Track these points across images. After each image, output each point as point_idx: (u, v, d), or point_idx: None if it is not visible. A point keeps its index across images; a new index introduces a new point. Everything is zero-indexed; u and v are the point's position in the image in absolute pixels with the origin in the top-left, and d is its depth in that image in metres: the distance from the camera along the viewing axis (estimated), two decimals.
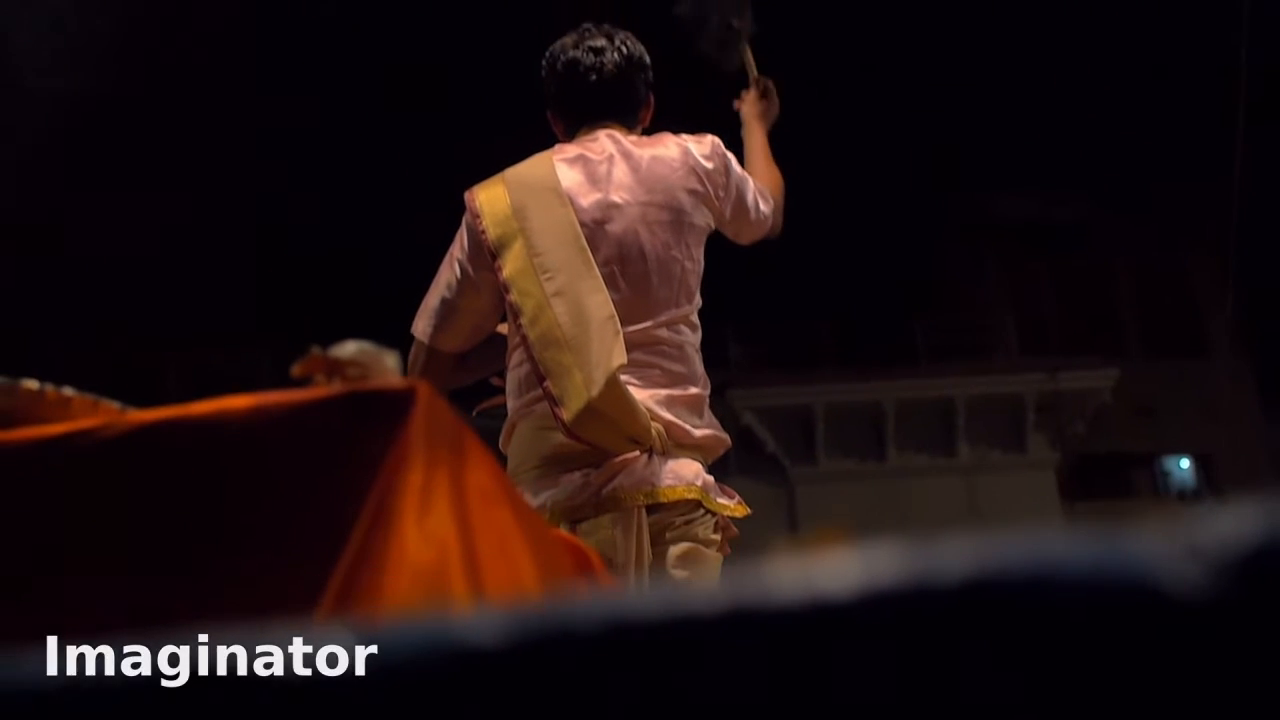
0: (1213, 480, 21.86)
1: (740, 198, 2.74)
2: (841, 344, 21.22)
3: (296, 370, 1.31)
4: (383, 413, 1.21)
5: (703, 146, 2.69)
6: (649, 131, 2.85)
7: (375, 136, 20.87)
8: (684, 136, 2.72)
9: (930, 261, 23.31)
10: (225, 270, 20.87)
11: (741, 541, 2.63)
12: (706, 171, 2.63)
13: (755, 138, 3.27)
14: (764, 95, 3.44)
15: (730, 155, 2.74)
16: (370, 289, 16.08)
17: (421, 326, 2.68)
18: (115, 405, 1.39)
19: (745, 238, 2.87)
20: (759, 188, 2.85)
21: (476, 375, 2.84)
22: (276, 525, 1.21)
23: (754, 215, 2.83)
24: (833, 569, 0.55)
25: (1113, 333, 22.35)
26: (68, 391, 1.40)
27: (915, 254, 22.96)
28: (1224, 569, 0.49)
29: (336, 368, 1.34)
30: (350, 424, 1.21)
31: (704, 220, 2.63)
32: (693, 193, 2.59)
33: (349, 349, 1.38)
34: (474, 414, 2.85)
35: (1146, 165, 21.66)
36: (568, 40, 2.80)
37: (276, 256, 21.02)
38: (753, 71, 3.44)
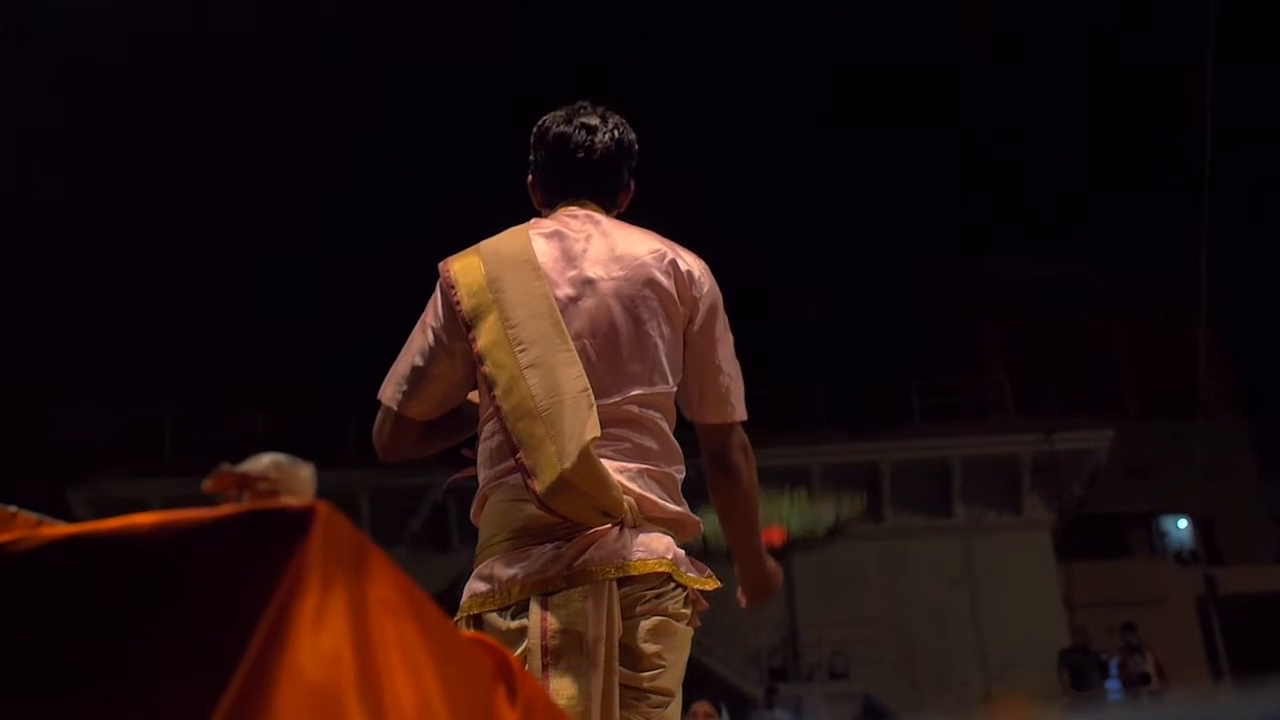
0: (1210, 541, 21.79)
1: (710, 340, 2.62)
2: (837, 405, 21.22)
3: (206, 486, 1.35)
4: (281, 532, 1.24)
5: (692, 256, 2.68)
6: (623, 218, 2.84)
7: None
8: (674, 244, 2.71)
9: (925, 322, 23.34)
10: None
11: (727, 627, 2.64)
12: (687, 273, 2.61)
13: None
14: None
15: (719, 295, 2.68)
16: None
17: (389, 393, 2.67)
18: (33, 517, 1.42)
19: (705, 408, 2.63)
20: (740, 386, 2.66)
21: (442, 445, 2.80)
22: (175, 643, 1.24)
23: (721, 385, 2.63)
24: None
25: (1109, 393, 22.36)
26: None
27: (910, 315, 23.00)
28: None
29: (246, 483, 1.38)
30: (249, 543, 1.25)
31: (674, 316, 2.58)
32: (666, 284, 2.57)
33: (262, 463, 1.41)
34: (446, 486, 2.87)
35: (1141, 226, 21.76)
36: (560, 114, 2.78)
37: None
38: None
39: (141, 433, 20.94)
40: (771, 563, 2.81)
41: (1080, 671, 14.65)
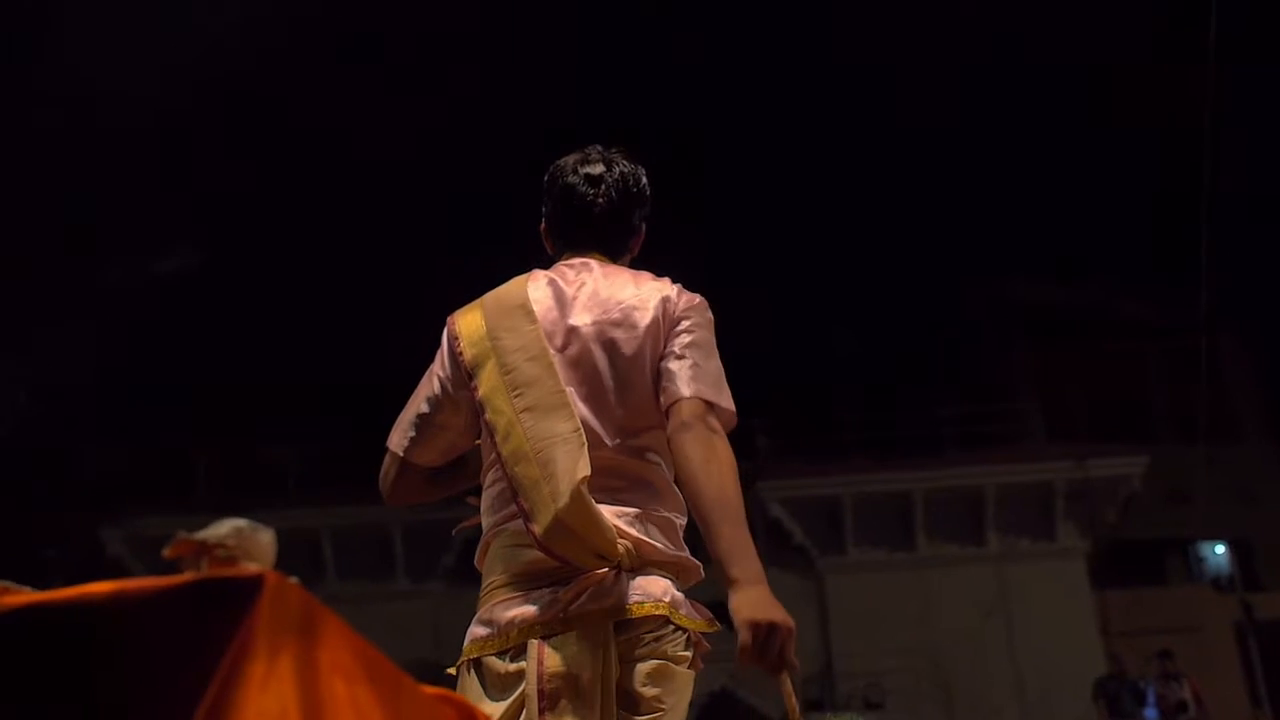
0: (1248, 566, 21.60)
1: (675, 347, 2.57)
2: (869, 434, 21.18)
3: (167, 553, 1.40)
4: (229, 600, 1.28)
5: (683, 293, 2.68)
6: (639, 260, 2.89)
7: None
8: (667, 283, 2.70)
9: (957, 350, 23.28)
10: None
11: None
12: (672, 307, 2.62)
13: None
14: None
15: (705, 319, 2.65)
16: None
17: (396, 440, 2.74)
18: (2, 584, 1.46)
19: (665, 395, 2.53)
20: (715, 376, 2.56)
21: (447, 492, 2.87)
22: (130, 707, 1.27)
23: (673, 371, 2.54)
24: None
25: (1143, 419, 22.23)
26: None
27: (941, 343, 22.94)
28: None
29: (204, 550, 1.42)
30: (198, 612, 1.28)
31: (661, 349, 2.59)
32: (651, 324, 2.58)
33: (221, 530, 1.46)
34: (453, 533, 2.91)
35: (1174, 248, 21.66)
36: (570, 161, 2.82)
37: None
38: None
39: (174, 469, 21.03)
40: (775, 608, 2.32)
41: (1116, 700, 14.54)
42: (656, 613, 2.41)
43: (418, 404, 2.73)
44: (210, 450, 21.11)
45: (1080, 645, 18.70)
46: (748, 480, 20.83)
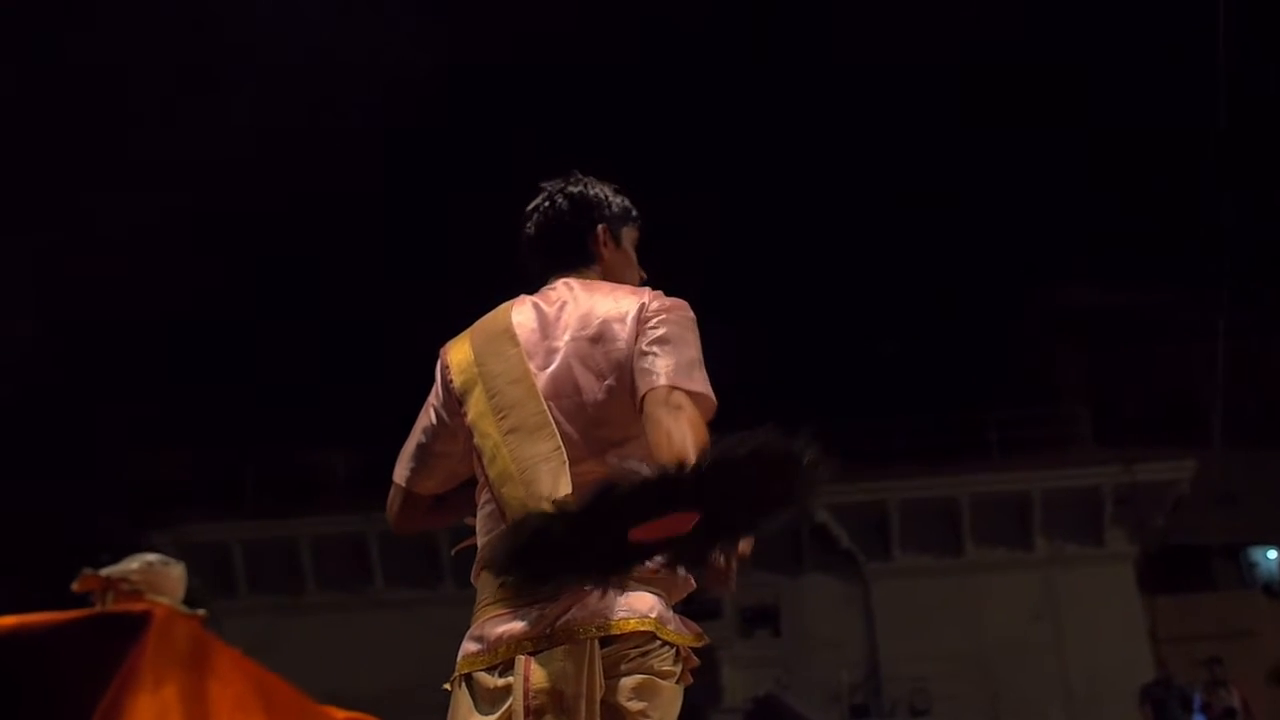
0: None
1: (646, 345, 2.56)
2: (915, 439, 21.09)
3: (75, 587, 1.48)
4: (118, 633, 1.36)
5: (661, 298, 2.68)
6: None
7: None
8: (646, 290, 2.73)
9: (1002, 354, 23.17)
10: None
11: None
12: (645, 313, 2.63)
13: None
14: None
15: (680, 317, 2.63)
16: None
17: (399, 471, 2.86)
18: None
19: (639, 386, 2.52)
20: (688, 363, 2.53)
21: (453, 517, 2.94)
22: None
23: (645, 364, 2.53)
24: None
25: (1191, 422, 22.03)
26: None
27: (987, 347, 22.84)
28: None
29: (109, 585, 1.51)
30: (91, 644, 1.36)
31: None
32: (627, 335, 2.60)
33: (132, 565, 1.54)
34: (452, 553, 2.99)
35: (1223, 250, 21.49)
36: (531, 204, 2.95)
37: None
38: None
39: (222, 475, 21.20)
40: None
41: (1163, 707, 14.42)
42: (642, 628, 2.43)
43: (417, 435, 2.83)
44: (258, 456, 21.26)
45: (1128, 651, 18.58)
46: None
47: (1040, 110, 22.32)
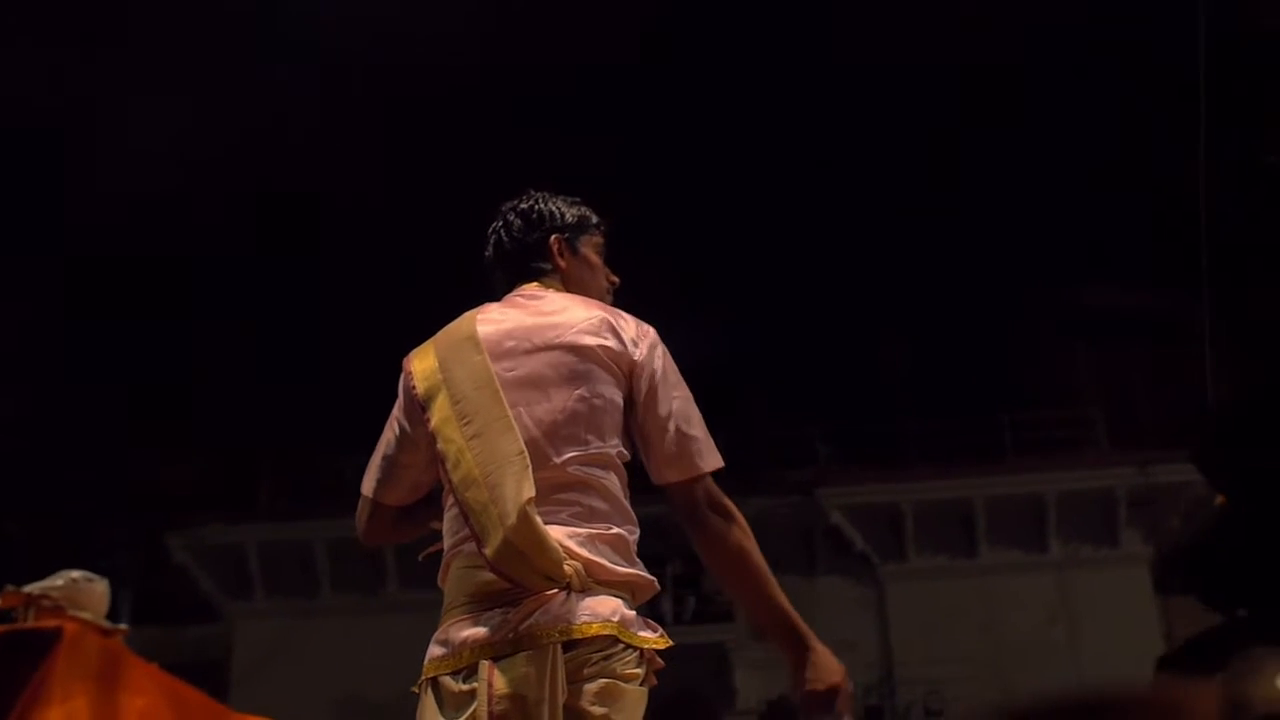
0: None
1: (653, 400, 2.68)
2: (930, 440, 21.08)
3: None
4: (29, 650, 1.41)
5: (632, 322, 2.77)
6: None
7: None
8: (608, 307, 2.84)
9: (1016, 355, 23.12)
10: None
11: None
12: (621, 338, 2.71)
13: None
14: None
15: (662, 348, 2.76)
16: None
17: (366, 483, 2.90)
18: None
19: (665, 465, 2.67)
20: (702, 437, 2.69)
21: (421, 527, 2.98)
22: None
23: (667, 443, 2.66)
24: None
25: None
26: None
27: (1001, 348, 22.80)
28: None
29: (30, 601, 1.56)
30: (3, 659, 1.40)
31: (610, 378, 2.67)
32: (597, 349, 2.67)
33: (56, 581, 1.58)
34: (420, 558, 3.06)
35: (1236, 252, 21.43)
36: None
37: None
38: None
39: (237, 478, 21.25)
40: (825, 651, 2.63)
41: None
42: (604, 632, 2.46)
43: (382, 447, 2.88)
44: (273, 459, 21.31)
45: (1144, 653, 18.50)
46: (807, 487, 20.85)
47: (1056, 107, 22.31)
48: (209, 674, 19.61)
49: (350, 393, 20.96)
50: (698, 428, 2.70)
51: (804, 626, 2.66)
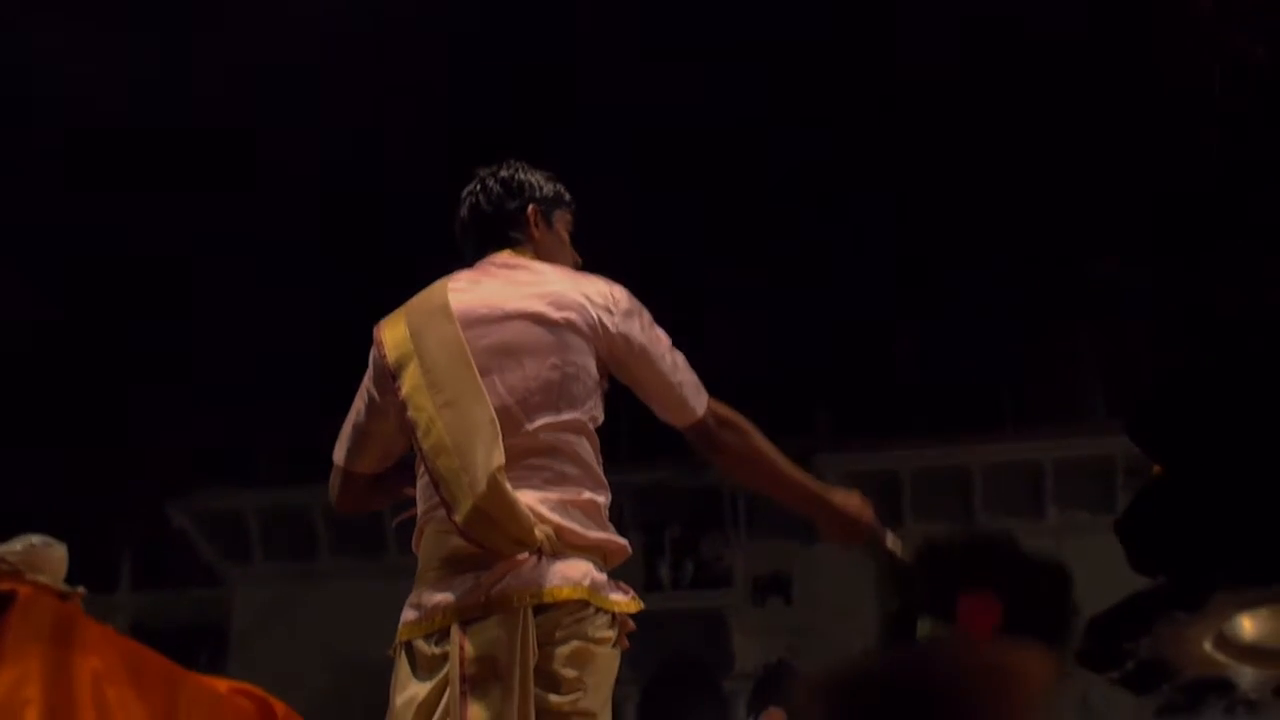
0: None
1: (638, 358, 2.76)
2: (927, 408, 21.10)
3: None
4: None
5: (601, 285, 2.80)
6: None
7: None
8: (581, 274, 2.88)
9: (1015, 324, 23.12)
10: None
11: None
12: (591, 304, 2.73)
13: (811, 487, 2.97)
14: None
15: (635, 306, 2.81)
16: None
17: (338, 452, 2.96)
18: None
19: (667, 415, 2.82)
20: (691, 381, 2.81)
21: (394, 494, 3.01)
22: None
23: (671, 395, 2.78)
24: None
25: None
26: None
27: (1000, 317, 22.79)
28: None
29: None
30: None
31: (582, 342, 2.70)
32: (568, 317, 2.69)
33: (14, 546, 1.62)
34: (393, 524, 3.12)
35: (1240, 222, 21.40)
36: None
37: None
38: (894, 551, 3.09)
39: (236, 444, 21.29)
40: (842, 496, 2.94)
41: None
42: (576, 596, 2.50)
43: (352, 416, 2.93)
44: (271, 424, 21.31)
45: None
46: (805, 454, 20.84)
47: (1057, 77, 22.25)
48: (209, 638, 19.73)
49: (351, 358, 20.98)
50: (684, 372, 2.79)
51: (820, 487, 2.93)
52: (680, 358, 2.80)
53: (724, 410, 2.82)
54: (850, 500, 2.94)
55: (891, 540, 3.01)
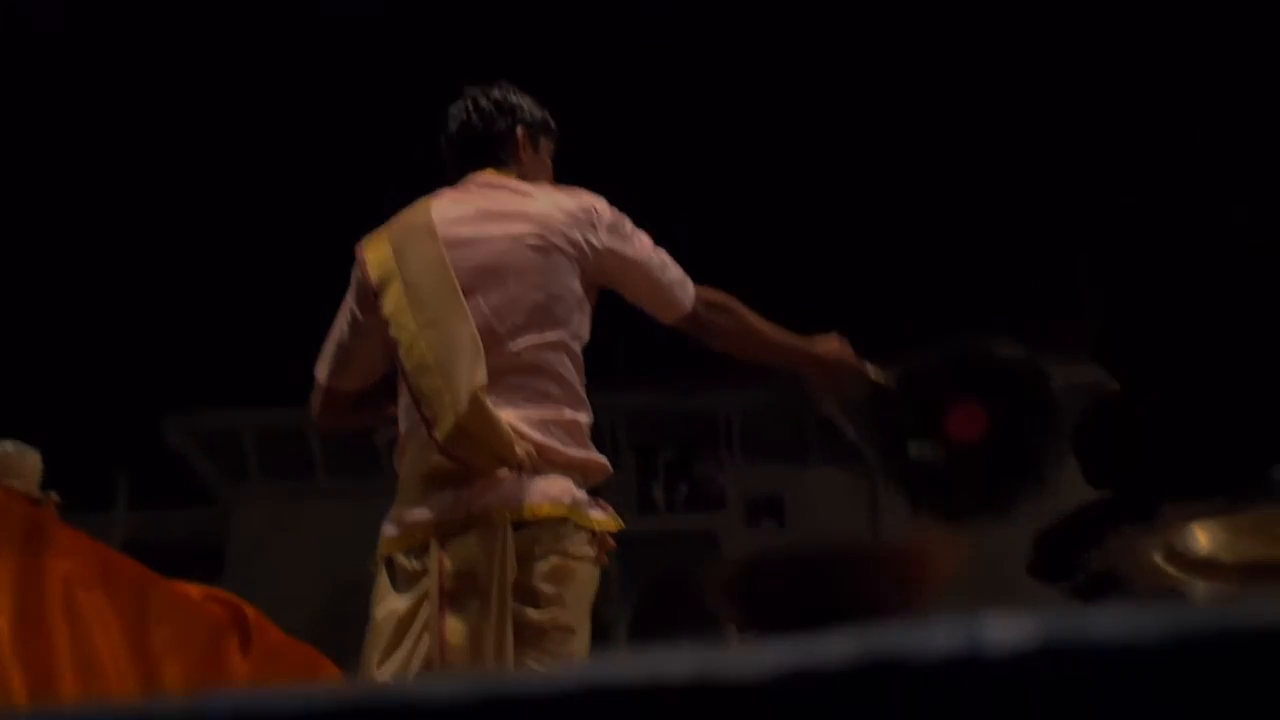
0: None
1: (623, 265, 2.81)
2: (932, 340, 21.06)
3: None
4: None
5: (582, 199, 2.81)
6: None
7: None
8: (561, 188, 2.89)
9: (1020, 255, 23.12)
10: None
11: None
12: (574, 219, 2.74)
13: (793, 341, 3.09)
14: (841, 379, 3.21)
15: (617, 218, 2.83)
16: None
17: (320, 370, 2.97)
18: None
19: (658, 313, 2.90)
20: (678, 277, 2.88)
21: (375, 413, 3.06)
22: None
23: (660, 294, 2.85)
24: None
25: None
26: None
27: (1005, 247, 22.79)
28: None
29: None
30: None
31: (567, 262, 2.72)
32: (551, 236, 2.71)
33: None
34: (377, 443, 3.15)
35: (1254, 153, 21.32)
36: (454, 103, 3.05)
37: None
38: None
39: (238, 363, 21.30)
40: (822, 342, 3.05)
41: None
42: (555, 513, 2.54)
43: (335, 334, 2.95)
44: (267, 342, 21.31)
45: None
46: (799, 379, 20.75)
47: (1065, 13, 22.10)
48: (206, 557, 19.82)
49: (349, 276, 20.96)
50: (671, 269, 2.85)
51: (805, 342, 3.03)
52: (665, 254, 2.84)
53: (710, 294, 2.89)
54: (830, 343, 3.04)
55: (874, 371, 3.15)
